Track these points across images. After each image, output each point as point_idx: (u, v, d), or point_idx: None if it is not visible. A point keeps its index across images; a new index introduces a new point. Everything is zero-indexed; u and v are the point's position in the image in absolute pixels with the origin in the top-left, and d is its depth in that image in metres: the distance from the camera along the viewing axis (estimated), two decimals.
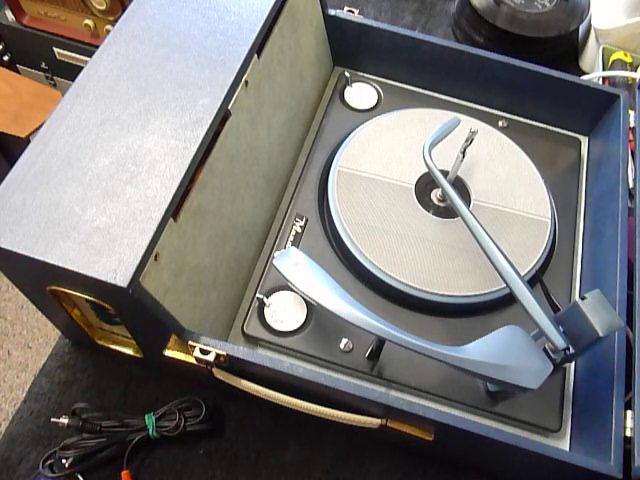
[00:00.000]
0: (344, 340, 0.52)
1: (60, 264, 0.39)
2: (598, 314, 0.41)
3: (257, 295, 0.54)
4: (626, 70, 0.74)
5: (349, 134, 0.63)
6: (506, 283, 0.47)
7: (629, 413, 0.45)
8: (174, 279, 0.44)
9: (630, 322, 0.49)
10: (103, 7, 1.02)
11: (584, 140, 0.69)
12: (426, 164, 0.54)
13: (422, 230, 0.56)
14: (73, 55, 1.13)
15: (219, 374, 0.46)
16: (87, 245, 0.40)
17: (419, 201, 0.58)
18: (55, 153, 0.44)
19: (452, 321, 0.54)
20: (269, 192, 0.59)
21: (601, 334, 0.41)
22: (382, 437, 0.46)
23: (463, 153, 0.55)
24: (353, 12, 0.67)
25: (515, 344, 0.44)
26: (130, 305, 0.43)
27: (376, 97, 0.68)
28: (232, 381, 0.46)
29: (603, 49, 0.76)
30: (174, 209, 0.43)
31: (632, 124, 0.62)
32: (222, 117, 0.48)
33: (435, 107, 0.66)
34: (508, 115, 0.69)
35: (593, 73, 0.76)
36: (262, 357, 0.45)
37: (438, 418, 0.43)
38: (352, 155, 0.61)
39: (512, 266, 0.47)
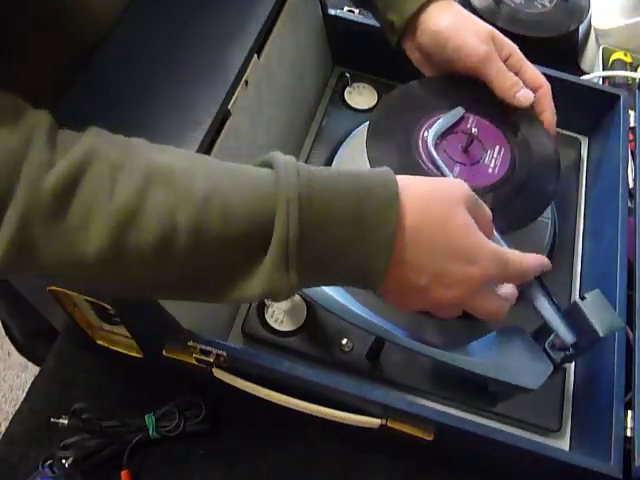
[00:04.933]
0: (344, 340, 0.52)
1: None
2: (598, 314, 0.41)
3: None
4: (626, 70, 0.74)
5: (349, 134, 0.63)
6: None
7: (629, 413, 0.45)
8: None
9: (630, 322, 0.49)
10: None
11: (584, 140, 0.69)
12: (430, 154, 0.53)
13: None
14: None
15: (219, 374, 0.46)
16: None
17: None
18: None
19: (452, 321, 0.54)
20: None
21: (601, 334, 0.41)
22: (382, 437, 0.46)
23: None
24: (353, 12, 0.67)
25: (515, 344, 0.44)
26: (130, 305, 0.43)
27: (376, 97, 0.68)
28: (232, 381, 0.46)
29: (603, 49, 0.76)
30: None
31: (632, 124, 0.62)
32: (222, 117, 0.48)
33: None
34: None
35: (593, 73, 0.76)
36: (262, 357, 0.45)
37: (438, 418, 0.43)
38: (352, 155, 0.61)
39: None
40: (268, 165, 0.35)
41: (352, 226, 0.34)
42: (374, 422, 0.45)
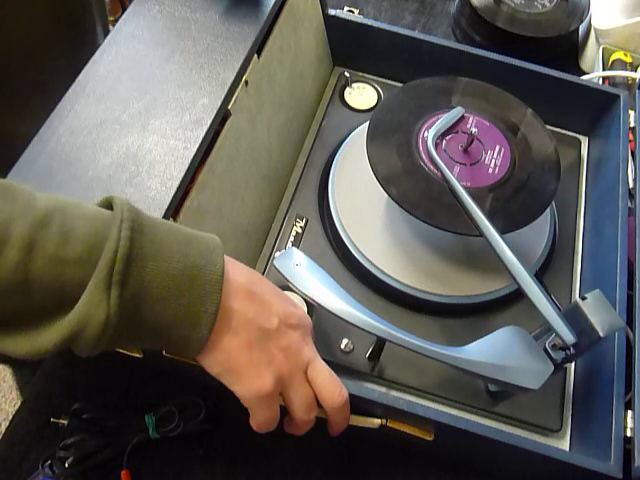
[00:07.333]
0: (345, 341, 0.52)
1: None
2: (599, 314, 0.41)
3: None
4: (626, 70, 0.74)
5: (349, 134, 0.63)
6: (514, 278, 0.45)
7: (629, 413, 0.45)
8: None
9: (630, 322, 0.49)
10: None
11: (584, 140, 0.69)
12: (430, 154, 0.53)
13: (423, 230, 0.56)
14: None
15: None
16: None
17: None
18: (55, 153, 0.44)
19: (452, 321, 0.54)
20: (269, 192, 0.59)
21: (602, 334, 0.41)
22: (382, 437, 0.46)
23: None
24: (353, 12, 0.67)
25: (516, 344, 0.44)
26: None
27: (376, 97, 0.68)
28: None
29: (603, 49, 0.76)
30: (174, 209, 0.43)
31: (632, 124, 0.62)
32: (222, 117, 0.48)
33: None
34: None
35: (593, 73, 0.76)
36: None
37: (438, 418, 0.43)
38: (352, 155, 0.61)
39: (520, 261, 0.46)
40: (107, 203, 0.36)
41: (182, 256, 0.34)
42: (374, 422, 0.45)
